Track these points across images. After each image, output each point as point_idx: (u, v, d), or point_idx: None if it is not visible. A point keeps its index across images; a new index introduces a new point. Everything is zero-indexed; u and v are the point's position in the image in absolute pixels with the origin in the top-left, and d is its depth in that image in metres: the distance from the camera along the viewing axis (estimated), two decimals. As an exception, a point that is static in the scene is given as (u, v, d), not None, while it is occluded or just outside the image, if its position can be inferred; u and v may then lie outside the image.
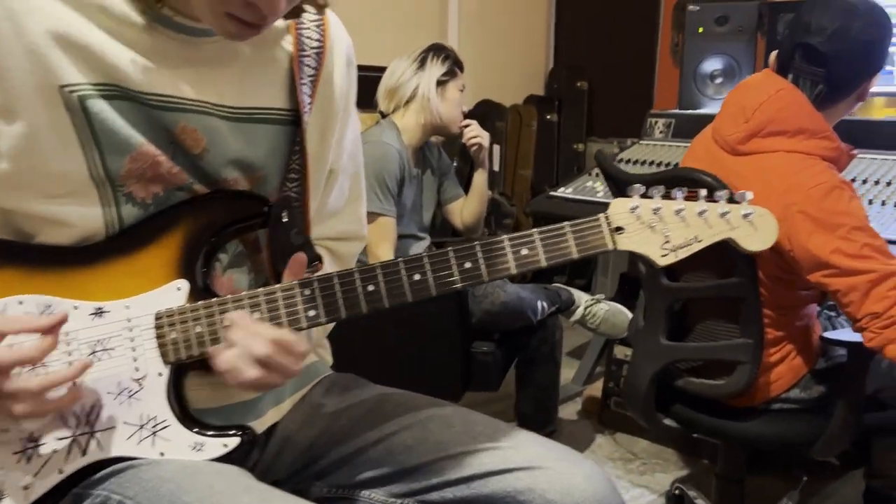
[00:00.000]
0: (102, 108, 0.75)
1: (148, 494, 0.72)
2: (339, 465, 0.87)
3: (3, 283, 0.76)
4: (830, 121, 1.36)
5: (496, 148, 3.83)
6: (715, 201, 0.85)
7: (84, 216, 0.77)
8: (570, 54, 4.32)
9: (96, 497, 0.74)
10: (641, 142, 2.69)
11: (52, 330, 0.72)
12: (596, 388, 2.54)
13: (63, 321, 0.73)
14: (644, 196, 0.84)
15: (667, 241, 0.83)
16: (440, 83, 2.02)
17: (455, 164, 2.40)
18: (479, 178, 2.18)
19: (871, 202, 1.89)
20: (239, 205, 0.83)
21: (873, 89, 1.42)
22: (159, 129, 0.78)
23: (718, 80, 2.67)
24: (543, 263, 0.80)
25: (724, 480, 1.70)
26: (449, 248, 0.81)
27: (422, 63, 2.03)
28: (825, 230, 1.24)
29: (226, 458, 0.78)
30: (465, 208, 2.20)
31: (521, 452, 0.81)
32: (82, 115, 0.75)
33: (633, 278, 2.43)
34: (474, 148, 2.15)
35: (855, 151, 1.40)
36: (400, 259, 0.80)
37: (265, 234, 0.85)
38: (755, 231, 0.84)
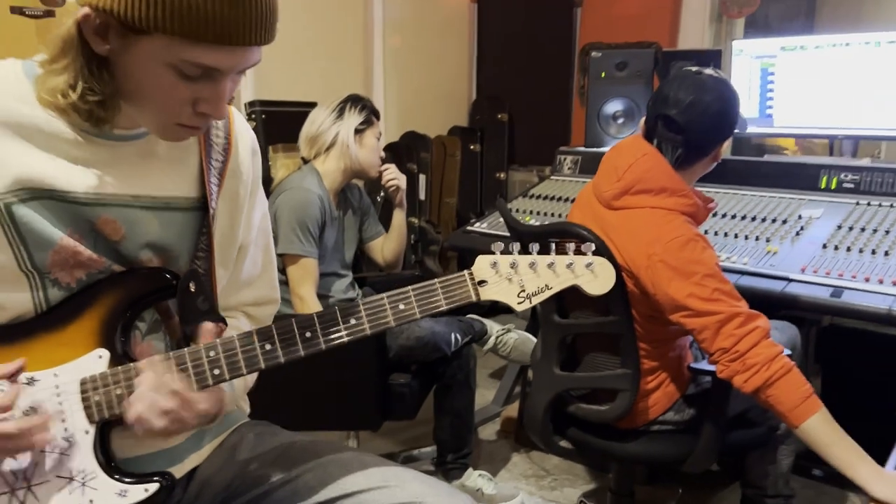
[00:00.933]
0: (26, 213, 0.88)
1: None
2: (253, 503, 1.00)
3: None
4: (689, 181, 1.57)
5: (422, 177, 3.99)
6: (565, 252, 0.99)
7: (15, 300, 0.89)
8: (491, 87, 4.51)
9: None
10: (552, 177, 2.90)
11: (13, 376, 0.83)
12: (513, 409, 2.71)
13: (22, 368, 0.84)
14: (504, 252, 0.99)
15: (522, 290, 0.98)
16: (358, 131, 2.16)
17: (381, 199, 2.52)
18: (398, 217, 2.33)
19: (746, 237, 2.13)
20: (151, 279, 0.96)
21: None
22: (81, 221, 0.91)
23: (620, 121, 2.89)
24: (418, 316, 0.95)
25: (616, 494, 1.88)
26: (335, 308, 0.94)
27: (340, 112, 2.16)
28: (682, 277, 1.43)
29: (149, 501, 0.90)
30: (386, 246, 2.35)
31: (406, 490, 0.96)
32: (8, 220, 0.87)
33: (544, 307, 2.62)
34: (392, 189, 2.30)
35: (712, 205, 1.61)
36: (293, 318, 0.93)
37: (175, 302, 0.97)
38: (595, 278, 0.99)
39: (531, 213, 2.58)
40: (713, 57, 2.75)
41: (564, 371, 1.67)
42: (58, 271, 0.90)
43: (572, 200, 2.60)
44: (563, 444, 1.77)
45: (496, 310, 3.42)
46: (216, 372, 0.92)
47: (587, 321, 1.61)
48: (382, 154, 2.27)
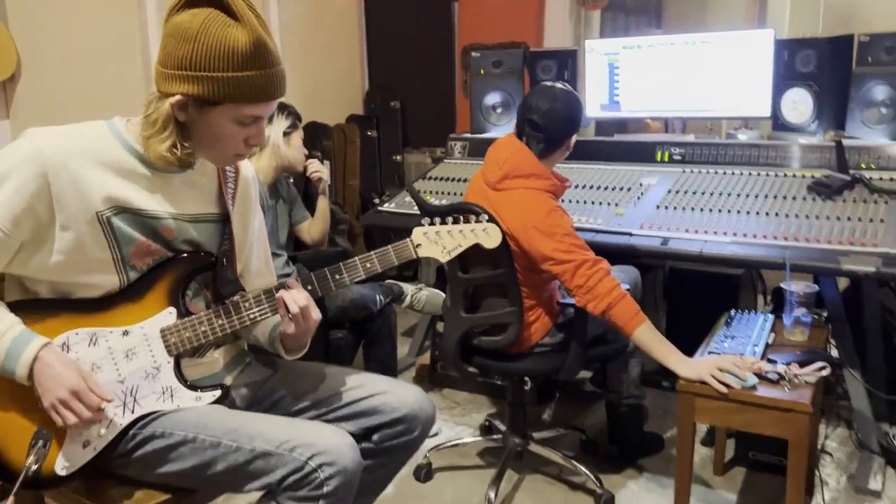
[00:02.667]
0: (117, 223, 1.31)
1: (173, 423, 1.31)
2: (272, 406, 1.47)
3: (62, 323, 1.30)
4: (550, 166, 2.13)
5: (326, 163, 4.40)
6: (469, 222, 1.51)
7: (107, 280, 1.33)
8: (383, 77, 4.95)
9: (144, 432, 1.31)
10: (445, 161, 3.41)
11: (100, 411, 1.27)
12: (425, 358, 3.24)
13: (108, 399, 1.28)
14: (430, 224, 1.50)
15: (444, 248, 1.50)
16: (286, 134, 2.59)
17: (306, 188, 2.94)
18: (323, 203, 2.78)
19: (600, 203, 2.72)
20: (200, 259, 1.41)
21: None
22: (149, 228, 1.34)
23: (499, 111, 3.43)
24: (379, 269, 1.44)
25: (512, 407, 2.44)
26: (339, 264, 1.42)
27: (270, 119, 2.58)
28: (548, 237, 1.99)
29: (215, 402, 1.36)
30: (312, 227, 2.80)
31: (376, 385, 1.47)
32: (108, 227, 1.30)
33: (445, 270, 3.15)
34: (316, 179, 2.75)
35: (567, 183, 2.17)
36: (325, 270, 1.41)
37: (210, 274, 1.43)
38: (489, 237, 1.52)
39: (431, 192, 3.08)
40: (571, 55, 3.32)
41: (468, 314, 2.20)
42: (135, 260, 1.33)
43: (464, 180, 3.14)
44: (471, 370, 2.31)
45: (405, 277, 3.94)
46: (310, 287, 1.41)
47: (483, 274, 2.14)
48: (306, 151, 2.71)
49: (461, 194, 2.98)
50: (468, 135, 3.44)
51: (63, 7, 3.29)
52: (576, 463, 2.36)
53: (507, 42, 3.50)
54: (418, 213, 2.92)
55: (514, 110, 3.39)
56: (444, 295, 2.92)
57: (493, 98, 3.41)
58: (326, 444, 1.27)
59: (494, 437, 2.54)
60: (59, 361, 1.25)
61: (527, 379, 2.41)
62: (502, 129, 3.38)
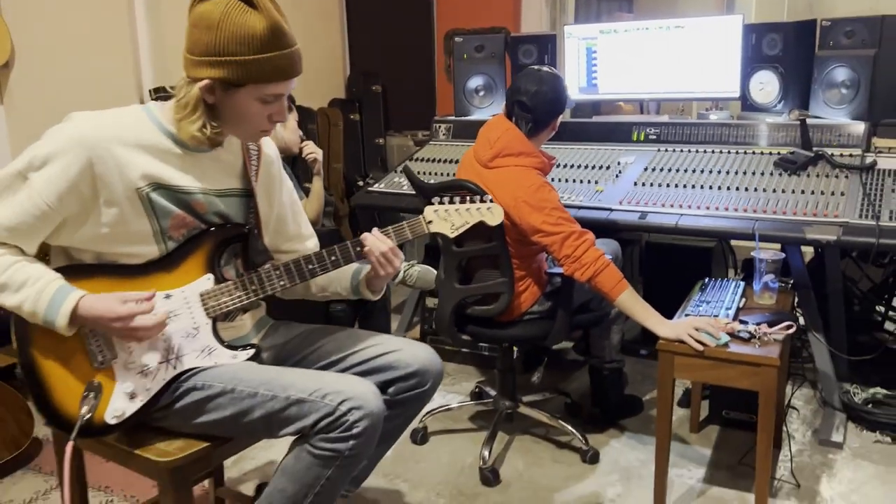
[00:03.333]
0: (156, 197, 1.43)
1: (212, 377, 1.44)
2: (296, 365, 1.61)
3: (107, 286, 1.42)
4: (538, 145, 2.27)
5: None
6: (474, 202, 1.67)
7: (148, 251, 1.45)
8: (364, 62, 5.05)
9: (184, 385, 1.44)
10: (431, 143, 3.54)
11: (150, 298, 1.40)
12: (415, 332, 3.39)
13: (152, 295, 1.41)
14: (440, 202, 1.65)
15: (453, 225, 1.65)
16: (282, 117, 2.70)
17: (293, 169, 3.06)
18: (317, 183, 2.90)
19: (583, 181, 2.88)
20: (234, 229, 1.54)
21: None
22: (184, 203, 1.46)
23: (482, 94, 3.56)
24: (395, 243, 1.59)
25: (502, 372, 2.60)
26: (349, 243, 1.56)
27: None
28: (537, 211, 2.14)
29: (250, 359, 1.51)
30: (308, 207, 2.91)
31: (391, 344, 1.61)
32: (148, 202, 1.42)
33: (433, 247, 3.29)
34: (311, 160, 2.87)
35: (554, 160, 2.32)
36: (336, 247, 1.55)
37: (239, 246, 1.55)
38: (493, 215, 1.67)
39: (419, 173, 3.21)
40: (550, 39, 3.47)
41: (462, 285, 2.35)
42: (172, 231, 1.45)
43: (450, 161, 3.28)
44: (465, 337, 2.46)
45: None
46: (333, 258, 1.57)
47: (476, 248, 2.28)
48: (300, 133, 2.83)
49: (448, 174, 3.12)
50: (452, 117, 3.57)
51: (54, -6, 3.36)
52: (563, 423, 2.53)
53: (489, 27, 3.62)
54: (407, 192, 3.08)
55: (496, 93, 3.53)
56: (434, 271, 3.07)
57: (476, 81, 3.54)
58: (355, 390, 1.40)
59: (485, 401, 2.70)
60: (97, 302, 1.37)
61: (515, 346, 2.56)
62: (485, 112, 3.52)
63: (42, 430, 2.68)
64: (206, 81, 1.38)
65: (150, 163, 1.42)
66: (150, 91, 3.83)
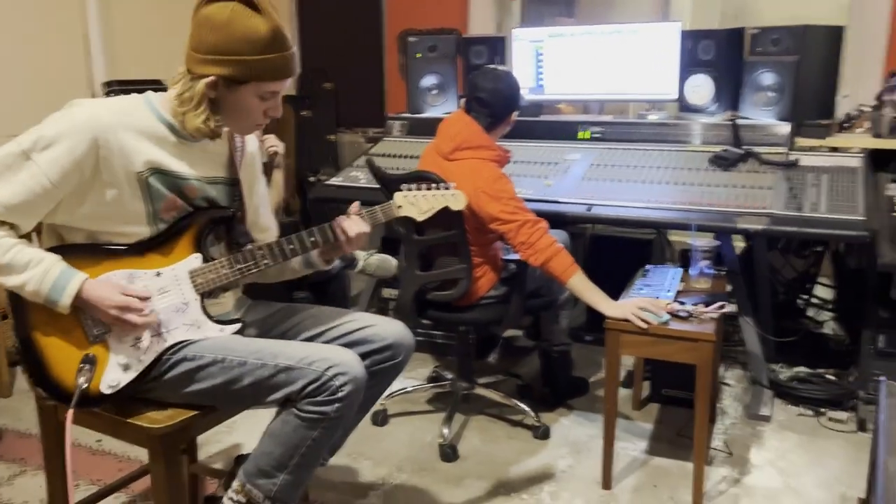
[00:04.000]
0: (152, 181, 1.52)
1: (202, 348, 1.54)
2: (278, 338, 1.71)
3: (101, 265, 1.51)
4: (495, 139, 2.42)
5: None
6: (438, 189, 1.80)
7: (140, 231, 1.53)
8: (315, 59, 5.10)
9: (175, 357, 1.53)
10: (385, 139, 3.65)
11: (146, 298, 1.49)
12: (370, 321, 3.49)
13: (149, 297, 1.50)
14: (408, 189, 1.77)
15: (420, 210, 1.78)
16: (244, 111, 2.77)
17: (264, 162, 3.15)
18: (277, 176, 2.98)
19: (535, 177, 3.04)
20: (219, 211, 1.63)
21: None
22: (176, 187, 1.56)
23: (434, 92, 3.69)
24: (370, 228, 1.70)
25: (459, 356, 2.74)
26: (327, 225, 1.67)
27: None
28: (495, 200, 2.29)
29: (236, 333, 1.61)
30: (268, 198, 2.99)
31: (365, 319, 1.73)
32: (145, 186, 1.51)
33: (390, 238, 3.40)
34: (272, 154, 2.95)
35: (509, 154, 2.48)
36: (326, 224, 1.65)
37: (223, 228, 1.65)
38: (456, 200, 1.82)
39: (376, 167, 3.32)
40: (500, 41, 3.62)
41: (422, 272, 2.48)
42: (163, 213, 1.54)
43: (405, 156, 3.40)
44: (425, 322, 2.59)
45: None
46: (312, 239, 1.68)
47: (436, 236, 2.42)
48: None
49: (404, 168, 3.24)
50: (406, 114, 3.69)
51: (7, -15, 3.34)
52: (516, 402, 2.68)
53: (440, 28, 3.75)
54: (364, 186, 3.19)
55: (448, 91, 3.67)
56: (393, 260, 3.19)
57: (429, 80, 3.68)
58: (339, 357, 1.52)
59: (442, 384, 2.83)
60: (101, 286, 1.47)
61: (471, 330, 2.70)
62: (438, 109, 3.65)
63: (0, 420, 2.69)
64: (211, 78, 1.48)
65: (150, 149, 1.51)
66: (102, 84, 3.84)
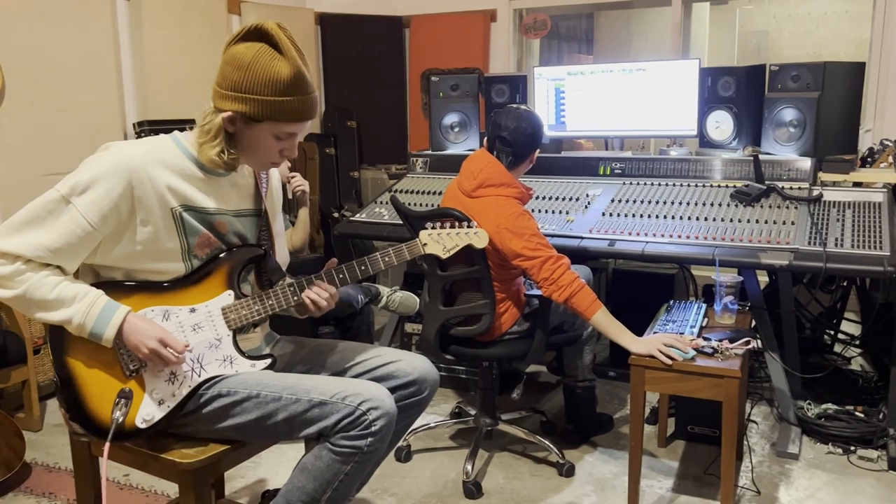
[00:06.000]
0: (186, 217, 1.57)
1: (236, 384, 1.57)
2: (305, 373, 1.73)
3: (138, 301, 1.55)
4: (517, 176, 2.46)
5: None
6: (462, 227, 1.83)
7: (176, 268, 1.58)
8: (339, 98, 5.22)
9: (209, 392, 1.56)
10: (408, 175, 3.71)
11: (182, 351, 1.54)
12: (393, 357, 3.50)
13: (187, 347, 1.55)
14: (432, 227, 1.81)
15: (444, 247, 1.81)
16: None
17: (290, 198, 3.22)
18: (304, 213, 3.04)
19: (555, 212, 3.07)
20: (252, 250, 1.67)
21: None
22: (208, 223, 1.60)
23: (456, 129, 3.75)
24: (395, 263, 1.74)
25: (482, 391, 2.74)
26: (364, 258, 1.70)
27: None
28: (518, 237, 2.32)
29: (266, 368, 1.64)
30: (294, 235, 3.05)
31: (391, 355, 1.75)
32: (179, 221, 1.56)
33: (413, 274, 3.44)
34: (299, 192, 3.01)
35: (532, 191, 2.51)
36: (353, 262, 1.69)
37: (255, 264, 1.69)
38: (479, 238, 1.85)
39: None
40: (521, 80, 3.68)
41: (446, 307, 2.50)
42: (197, 249, 1.59)
43: (428, 192, 3.45)
44: (448, 357, 2.60)
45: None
46: (341, 276, 1.69)
47: (459, 272, 2.44)
48: (289, 164, 2.97)
49: (427, 204, 3.28)
50: (429, 151, 3.75)
51: (44, 32, 3.47)
52: (540, 438, 2.67)
53: (463, 68, 3.82)
54: (388, 222, 3.23)
55: (470, 129, 3.73)
56: (415, 297, 3.22)
57: (451, 118, 3.74)
58: (371, 392, 1.54)
59: (465, 419, 2.83)
60: (142, 321, 1.53)
61: (494, 365, 2.71)
62: (460, 147, 3.71)
63: (30, 453, 2.73)
64: (230, 113, 1.54)
65: (181, 185, 1.56)
66: (133, 125, 3.95)
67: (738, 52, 6.44)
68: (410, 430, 2.73)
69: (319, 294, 1.68)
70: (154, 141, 1.60)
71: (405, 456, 2.71)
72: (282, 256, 1.85)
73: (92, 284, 1.55)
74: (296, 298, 1.66)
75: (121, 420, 1.48)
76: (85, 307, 1.49)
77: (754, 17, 6.57)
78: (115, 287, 1.55)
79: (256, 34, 1.54)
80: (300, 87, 1.55)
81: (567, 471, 2.58)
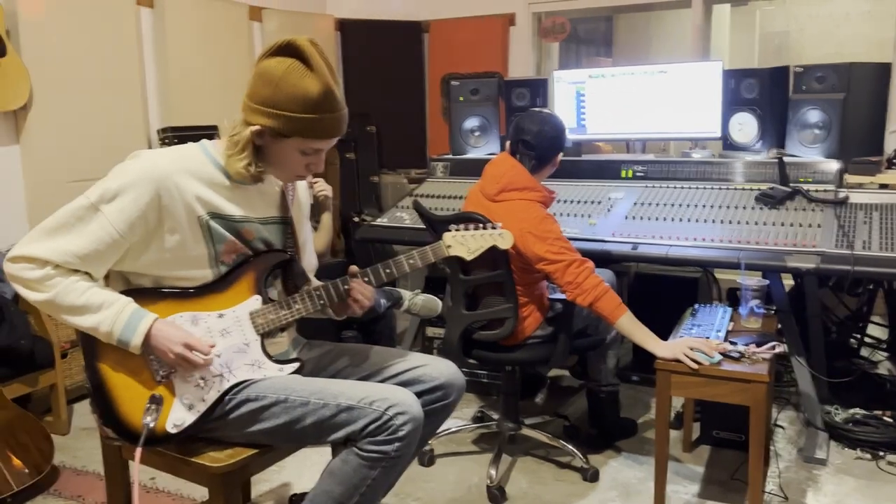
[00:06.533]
0: (213, 225, 1.58)
1: (264, 388, 1.58)
2: (332, 377, 1.74)
3: (167, 307, 1.57)
4: (540, 180, 2.45)
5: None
6: (487, 228, 1.83)
7: (203, 275, 1.60)
8: (359, 103, 5.20)
9: (238, 397, 1.57)
10: (429, 179, 3.71)
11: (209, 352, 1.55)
12: (415, 361, 3.51)
13: (212, 347, 1.56)
14: (456, 230, 1.81)
15: (469, 249, 1.81)
16: (294, 155, 2.86)
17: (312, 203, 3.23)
18: (326, 218, 3.04)
19: (577, 215, 3.06)
20: (279, 255, 1.69)
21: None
22: (235, 230, 1.62)
23: (477, 134, 3.75)
24: (419, 265, 1.74)
25: (505, 395, 2.74)
26: (390, 261, 1.71)
27: None
28: (541, 241, 2.31)
29: (294, 372, 1.64)
30: (317, 240, 3.04)
31: (417, 359, 1.75)
32: (206, 229, 1.57)
33: (434, 278, 3.44)
34: (321, 197, 3.02)
35: (554, 194, 2.50)
36: (378, 265, 1.70)
37: (281, 269, 1.70)
38: (503, 239, 1.84)
39: (421, 208, 3.37)
40: (542, 83, 3.68)
41: (469, 311, 2.50)
42: (224, 256, 1.60)
43: (449, 196, 3.45)
44: (471, 361, 2.60)
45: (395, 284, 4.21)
46: (367, 279, 1.72)
47: (482, 276, 2.44)
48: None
49: (448, 208, 3.29)
50: (450, 156, 3.75)
51: (70, 41, 3.51)
52: (564, 443, 2.66)
53: (483, 72, 3.82)
54: (409, 227, 3.24)
55: (490, 133, 3.73)
56: (437, 300, 3.22)
57: (471, 122, 3.74)
58: (398, 398, 1.54)
59: (487, 423, 2.83)
60: (169, 327, 1.54)
61: (517, 369, 2.70)
62: (481, 151, 3.71)
63: (58, 457, 2.76)
64: (258, 127, 1.55)
65: (208, 193, 1.58)
66: (157, 131, 3.99)
67: (758, 53, 6.39)
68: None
69: (363, 293, 1.70)
70: (182, 150, 1.61)
71: (428, 460, 2.71)
72: (309, 263, 1.86)
73: (121, 292, 1.56)
74: (322, 302, 1.67)
75: (152, 425, 1.49)
76: (113, 314, 1.51)
77: (774, 18, 6.51)
78: (144, 294, 1.57)
79: (288, 50, 1.54)
80: (329, 105, 1.55)
81: (591, 476, 2.57)
